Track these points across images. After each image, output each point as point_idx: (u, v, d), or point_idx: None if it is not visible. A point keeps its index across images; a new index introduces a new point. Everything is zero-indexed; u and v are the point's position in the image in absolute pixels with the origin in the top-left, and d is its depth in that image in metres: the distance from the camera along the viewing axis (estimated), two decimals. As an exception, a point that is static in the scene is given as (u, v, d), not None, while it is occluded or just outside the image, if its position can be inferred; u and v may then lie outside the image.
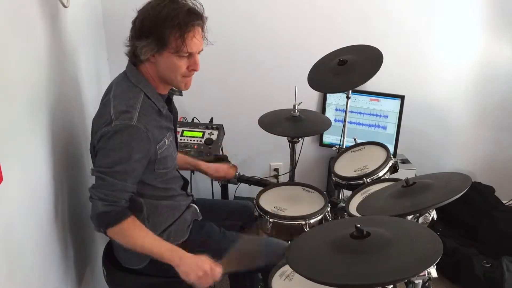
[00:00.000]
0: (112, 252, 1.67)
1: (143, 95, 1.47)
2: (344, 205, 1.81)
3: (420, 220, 1.39)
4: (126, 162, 1.38)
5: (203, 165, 1.97)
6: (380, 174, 1.89)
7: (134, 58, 1.48)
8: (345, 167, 2.02)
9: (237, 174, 2.10)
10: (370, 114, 2.76)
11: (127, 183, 1.40)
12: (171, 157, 1.58)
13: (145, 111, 1.44)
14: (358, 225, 1.07)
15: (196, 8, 1.45)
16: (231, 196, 2.54)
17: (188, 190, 1.78)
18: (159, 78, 1.50)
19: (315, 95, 2.78)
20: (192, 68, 1.49)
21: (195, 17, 1.43)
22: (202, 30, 1.48)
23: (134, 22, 1.45)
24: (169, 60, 1.44)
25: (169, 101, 1.61)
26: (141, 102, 1.45)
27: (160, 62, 1.46)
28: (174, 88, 1.60)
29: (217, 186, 2.41)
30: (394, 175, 1.92)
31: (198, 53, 1.48)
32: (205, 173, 1.97)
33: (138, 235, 1.43)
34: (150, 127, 1.43)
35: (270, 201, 1.86)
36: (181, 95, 1.65)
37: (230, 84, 2.69)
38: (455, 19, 2.70)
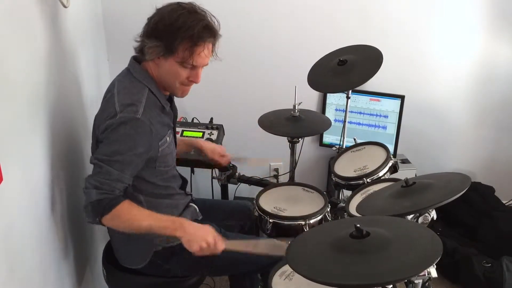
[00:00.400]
0: (112, 252, 1.67)
1: (147, 90, 1.47)
2: (344, 205, 1.81)
3: (420, 220, 1.39)
4: (127, 154, 1.37)
5: (201, 141, 1.95)
6: (380, 174, 1.88)
7: (141, 54, 1.47)
8: (345, 167, 2.02)
9: (237, 174, 2.10)
10: (370, 114, 2.76)
11: (124, 174, 1.38)
12: (171, 155, 1.59)
13: (150, 105, 1.45)
14: (358, 225, 1.07)
15: (214, 24, 1.45)
16: (231, 196, 2.54)
17: (188, 190, 1.78)
18: (158, 76, 1.50)
19: (315, 95, 2.78)
20: (192, 79, 1.49)
21: (209, 34, 1.44)
22: (213, 46, 1.48)
23: (149, 20, 1.44)
24: (173, 67, 1.45)
25: (170, 99, 1.62)
26: (146, 96, 1.45)
27: (163, 66, 1.46)
28: None
29: (217, 186, 2.41)
30: (394, 175, 1.92)
31: (202, 67, 1.49)
32: (201, 149, 1.94)
33: (135, 217, 1.40)
34: (154, 122, 1.44)
35: (270, 201, 1.86)
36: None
37: (230, 84, 2.69)
38: (455, 19, 2.70)
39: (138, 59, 1.51)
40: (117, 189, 1.38)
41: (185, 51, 1.41)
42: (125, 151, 1.37)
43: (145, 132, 1.40)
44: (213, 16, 1.47)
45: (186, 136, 2.27)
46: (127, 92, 1.44)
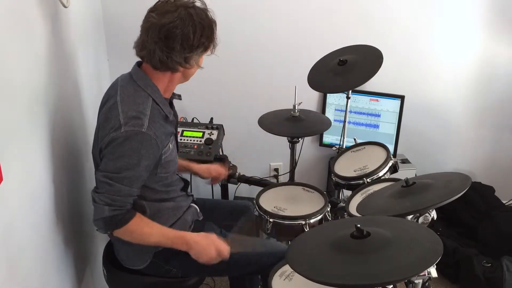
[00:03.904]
0: (112, 252, 1.67)
1: (151, 100, 1.44)
2: (344, 205, 1.81)
3: (420, 220, 1.39)
4: (134, 169, 1.37)
5: (195, 166, 1.93)
6: (380, 174, 1.89)
7: (163, 66, 1.43)
8: (345, 167, 2.02)
9: (237, 174, 2.10)
10: (370, 114, 2.76)
11: (133, 188, 1.40)
12: (173, 162, 1.58)
13: (154, 117, 1.42)
14: (358, 225, 1.07)
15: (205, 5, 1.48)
16: (231, 196, 2.55)
17: (189, 190, 1.78)
18: (171, 83, 1.50)
19: (315, 95, 2.78)
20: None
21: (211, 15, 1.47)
22: None
23: (179, 34, 1.38)
24: (201, 59, 1.49)
25: (171, 105, 1.59)
26: (150, 107, 1.42)
27: (194, 66, 1.47)
28: (174, 92, 1.60)
29: (217, 186, 2.41)
30: (394, 175, 1.92)
31: None
32: (197, 174, 1.94)
33: (145, 232, 1.46)
34: (159, 134, 1.42)
35: (270, 201, 1.86)
36: (180, 99, 1.64)
37: (230, 84, 2.69)
38: (455, 19, 2.70)
39: (141, 65, 1.49)
40: (129, 203, 1.42)
41: (215, 40, 1.47)
42: (132, 166, 1.37)
43: (151, 146, 1.39)
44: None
45: (186, 136, 2.27)
46: (131, 102, 1.41)
